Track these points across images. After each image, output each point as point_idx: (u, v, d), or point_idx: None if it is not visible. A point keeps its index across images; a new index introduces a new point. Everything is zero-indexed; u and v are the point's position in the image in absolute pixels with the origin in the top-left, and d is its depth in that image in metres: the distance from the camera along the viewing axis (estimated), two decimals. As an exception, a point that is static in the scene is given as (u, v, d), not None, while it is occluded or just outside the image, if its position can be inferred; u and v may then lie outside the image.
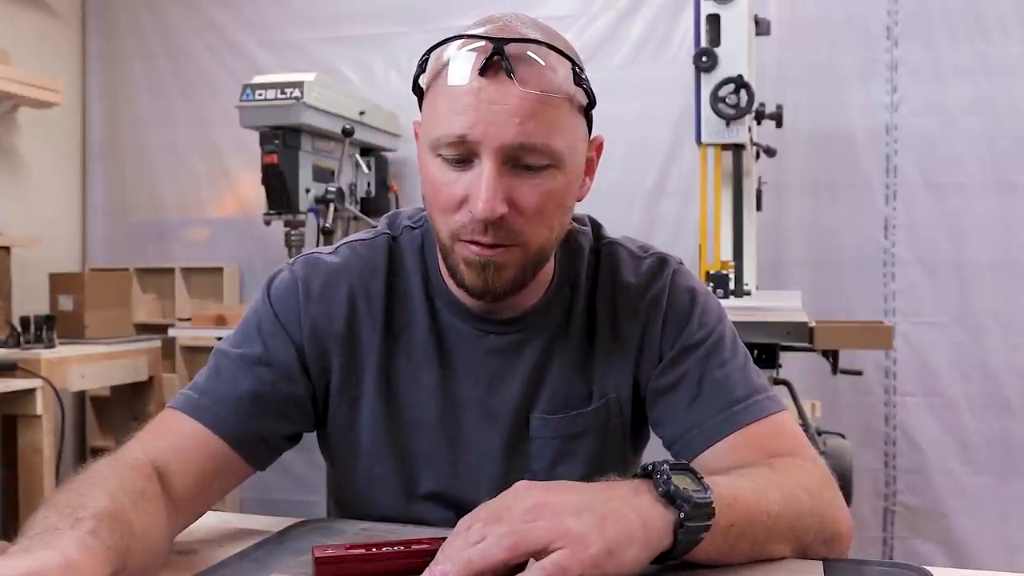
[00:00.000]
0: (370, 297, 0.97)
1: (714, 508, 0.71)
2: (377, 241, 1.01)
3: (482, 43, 0.83)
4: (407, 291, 0.99)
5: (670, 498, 0.70)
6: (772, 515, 0.78)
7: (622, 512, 0.69)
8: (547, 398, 0.97)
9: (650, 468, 0.73)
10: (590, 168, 0.94)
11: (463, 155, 0.84)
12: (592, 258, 1.01)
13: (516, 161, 0.84)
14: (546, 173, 0.85)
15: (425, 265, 0.99)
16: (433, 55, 0.88)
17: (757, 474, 0.82)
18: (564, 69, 0.85)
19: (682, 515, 0.70)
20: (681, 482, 0.71)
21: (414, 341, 0.97)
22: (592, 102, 0.90)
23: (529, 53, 0.83)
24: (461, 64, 0.83)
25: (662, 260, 1.01)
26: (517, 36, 0.84)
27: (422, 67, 0.90)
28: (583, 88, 0.87)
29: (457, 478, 0.97)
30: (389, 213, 1.06)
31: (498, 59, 0.82)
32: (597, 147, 0.95)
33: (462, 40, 0.85)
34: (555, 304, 0.98)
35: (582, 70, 0.87)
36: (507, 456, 0.96)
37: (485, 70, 0.82)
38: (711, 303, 1.00)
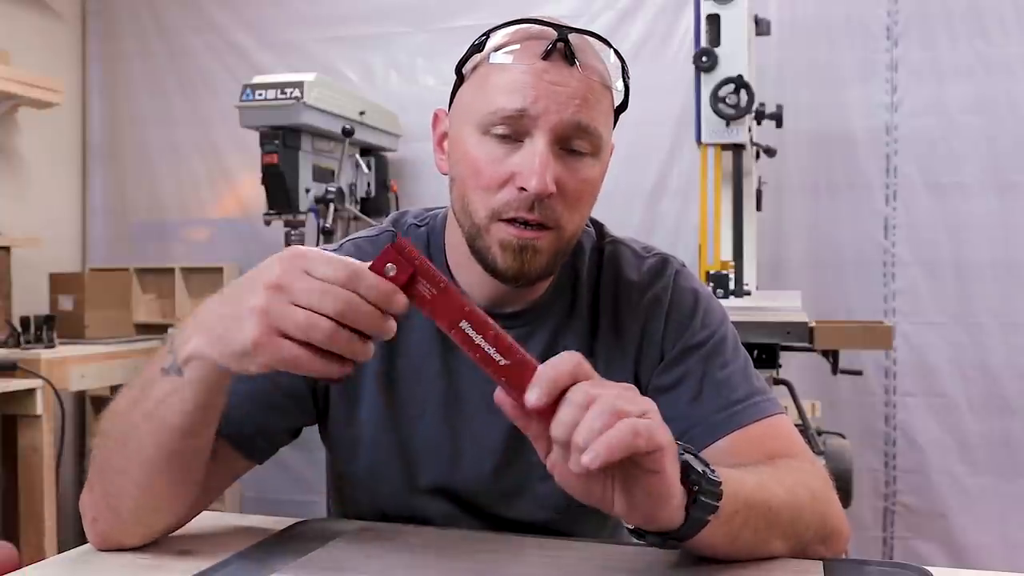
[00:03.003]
0: None
1: (723, 489, 0.72)
2: (381, 238, 1.01)
3: (546, 29, 0.87)
4: None
5: (684, 472, 0.71)
6: (774, 508, 0.78)
7: None
8: None
9: None
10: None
11: (515, 132, 0.86)
12: (595, 256, 1.02)
13: (566, 143, 0.87)
14: (588, 160, 0.88)
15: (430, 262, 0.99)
16: (492, 35, 0.90)
17: (759, 470, 0.83)
18: (615, 65, 0.90)
19: (696, 488, 0.70)
20: (691, 460, 0.72)
21: (415, 335, 0.97)
22: (625, 104, 0.93)
23: (590, 44, 0.88)
24: (524, 47, 0.86)
25: (664, 260, 1.02)
26: (577, 27, 0.88)
27: (479, 47, 0.91)
28: (626, 87, 0.92)
29: (458, 471, 0.97)
30: (394, 212, 1.07)
31: (563, 45, 0.85)
32: (611, 151, 0.96)
33: (525, 25, 0.88)
34: (558, 299, 0.99)
35: (628, 71, 0.92)
36: (509, 449, 0.96)
37: (548, 55, 0.85)
38: (713, 305, 1.00)
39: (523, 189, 0.84)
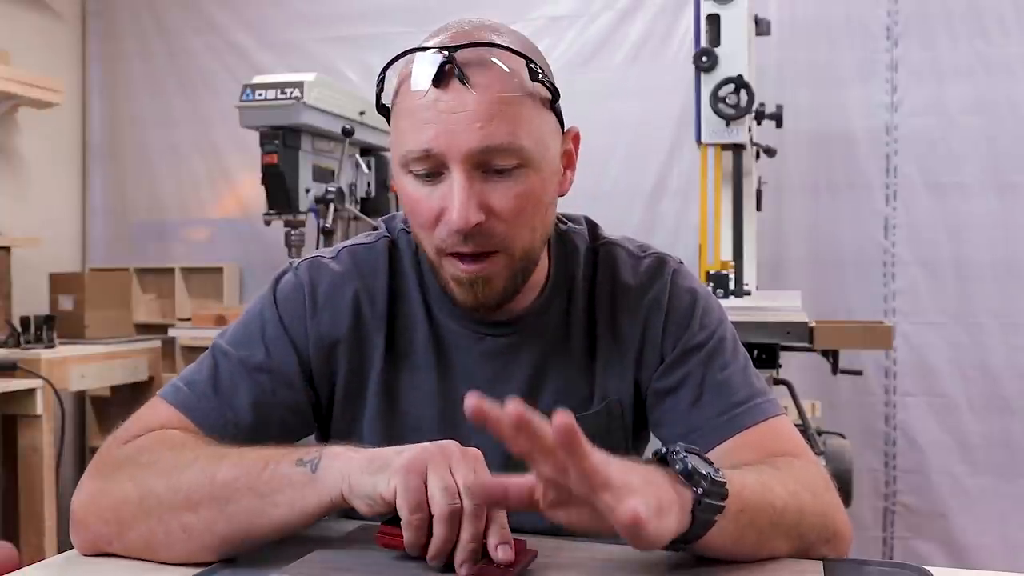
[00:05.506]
0: (374, 302, 0.97)
1: (728, 489, 0.72)
2: (378, 245, 1.00)
3: (431, 53, 0.83)
4: (406, 295, 0.98)
5: (688, 475, 0.70)
6: (778, 509, 0.78)
7: (658, 480, 0.70)
8: (548, 400, 0.96)
9: (663, 452, 0.73)
10: (570, 161, 0.94)
11: (432, 169, 0.85)
12: (590, 258, 1.00)
13: (485, 166, 0.84)
14: (518, 174, 0.85)
15: (420, 269, 0.99)
16: (388, 74, 0.89)
17: (762, 470, 0.83)
18: (519, 67, 0.85)
19: (700, 491, 0.70)
20: (696, 462, 0.72)
21: (414, 345, 0.97)
22: (555, 96, 0.89)
23: (481, 56, 0.83)
24: (414, 78, 0.84)
25: (661, 260, 1.00)
26: (467, 42, 0.84)
27: (380, 86, 0.90)
28: (542, 83, 0.86)
29: None
30: (385, 216, 1.06)
31: (450, 67, 0.82)
32: (573, 138, 0.94)
33: (411, 54, 0.86)
34: (552, 305, 0.98)
35: (539, 65, 0.86)
36: (507, 459, 0.95)
37: (439, 80, 0.82)
38: (712, 304, 1.00)
39: None
